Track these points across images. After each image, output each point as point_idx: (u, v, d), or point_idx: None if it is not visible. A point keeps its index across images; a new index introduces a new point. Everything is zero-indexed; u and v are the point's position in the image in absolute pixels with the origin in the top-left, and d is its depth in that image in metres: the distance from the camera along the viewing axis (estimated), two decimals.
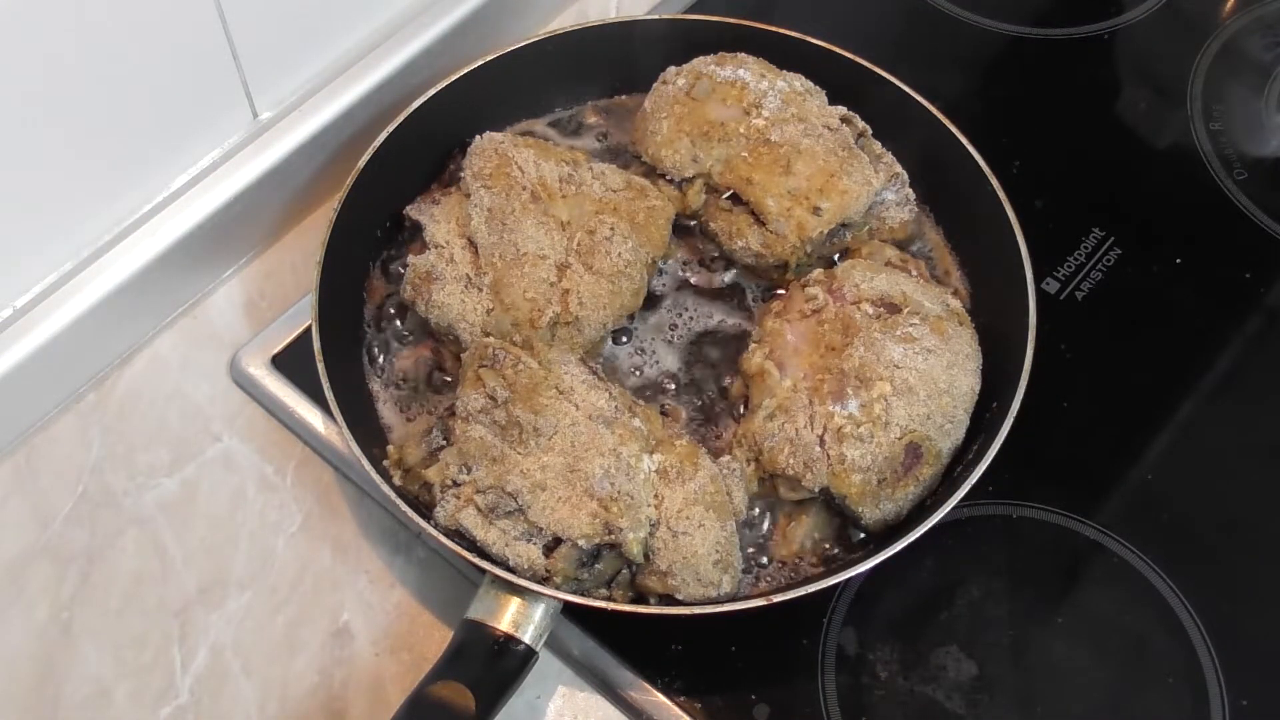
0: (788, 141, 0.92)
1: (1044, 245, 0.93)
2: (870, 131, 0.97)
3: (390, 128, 0.93)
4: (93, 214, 0.89)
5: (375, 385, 0.91)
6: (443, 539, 0.78)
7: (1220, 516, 0.91)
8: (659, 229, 0.92)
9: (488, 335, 0.86)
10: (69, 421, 0.92)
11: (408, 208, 0.96)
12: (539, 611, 0.76)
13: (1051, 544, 0.89)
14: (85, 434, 0.91)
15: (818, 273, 0.91)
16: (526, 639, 0.75)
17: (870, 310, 0.86)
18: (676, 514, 0.78)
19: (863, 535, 0.85)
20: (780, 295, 0.93)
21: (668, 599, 0.79)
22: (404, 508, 0.80)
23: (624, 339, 0.93)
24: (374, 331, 0.93)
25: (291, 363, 0.93)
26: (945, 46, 1.16)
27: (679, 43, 1.00)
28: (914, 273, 0.92)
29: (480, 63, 0.97)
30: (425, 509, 0.81)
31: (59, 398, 0.92)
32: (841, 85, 0.98)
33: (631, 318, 0.93)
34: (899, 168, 0.95)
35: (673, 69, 0.98)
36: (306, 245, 1.01)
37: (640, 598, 0.81)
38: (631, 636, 0.84)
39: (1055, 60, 1.15)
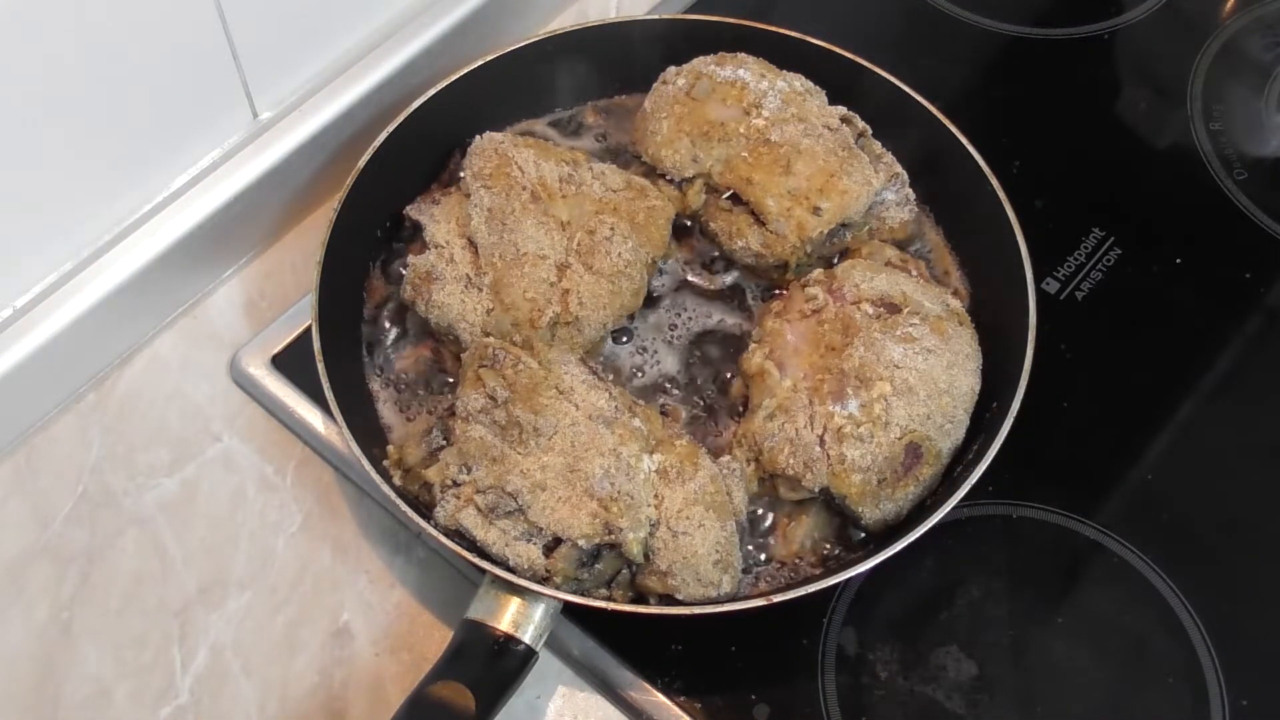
0: (788, 141, 0.92)
1: (1044, 245, 0.93)
2: (870, 131, 0.97)
3: (390, 128, 0.93)
4: (93, 214, 0.89)
5: (375, 385, 0.91)
6: (443, 539, 0.78)
7: (1220, 516, 0.91)
8: (659, 229, 0.92)
9: (488, 335, 0.86)
10: (69, 421, 0.92)
11: (408, 208, 0.96)
12: (539, 611, 0.76)
13: (1051, 544, 0.89)
14: (85, 434, 0.91)
15: (818, 273, 0.91)
16: (526, 639, 0.75)
17: (870, 310, 0.86)
18: (676, 514, 0.78)
19: (863, 535, 0.85)
20: (780, 295, 0.93)
21: (668, 599, 0.79)
22: (404, 508, 0.80)
23: (624, 339, 0.93)
24: (374, 332, 0.93)
25: (291, 363, 0.93)
26: (945, 46, 1.16)
27: (679, 43, 1.00)
28: (914, 273, 0.92)
29: (480, 63, 0.97)
30: (425, 509, 0.81)
31: (59, 398, 0.92)
32: (841, 85, 0.98)
33: (631, 318, 0.93)
34: (899, 168, 0.95)
35: (673, 69, 0.98)
36: (306, 245, 1.01)
37: (640, 598, 0.81)
38: (631, 636, 0.84)
39: (1055, 60, 1.15)
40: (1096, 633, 0.86)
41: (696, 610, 0.78)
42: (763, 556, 0.85)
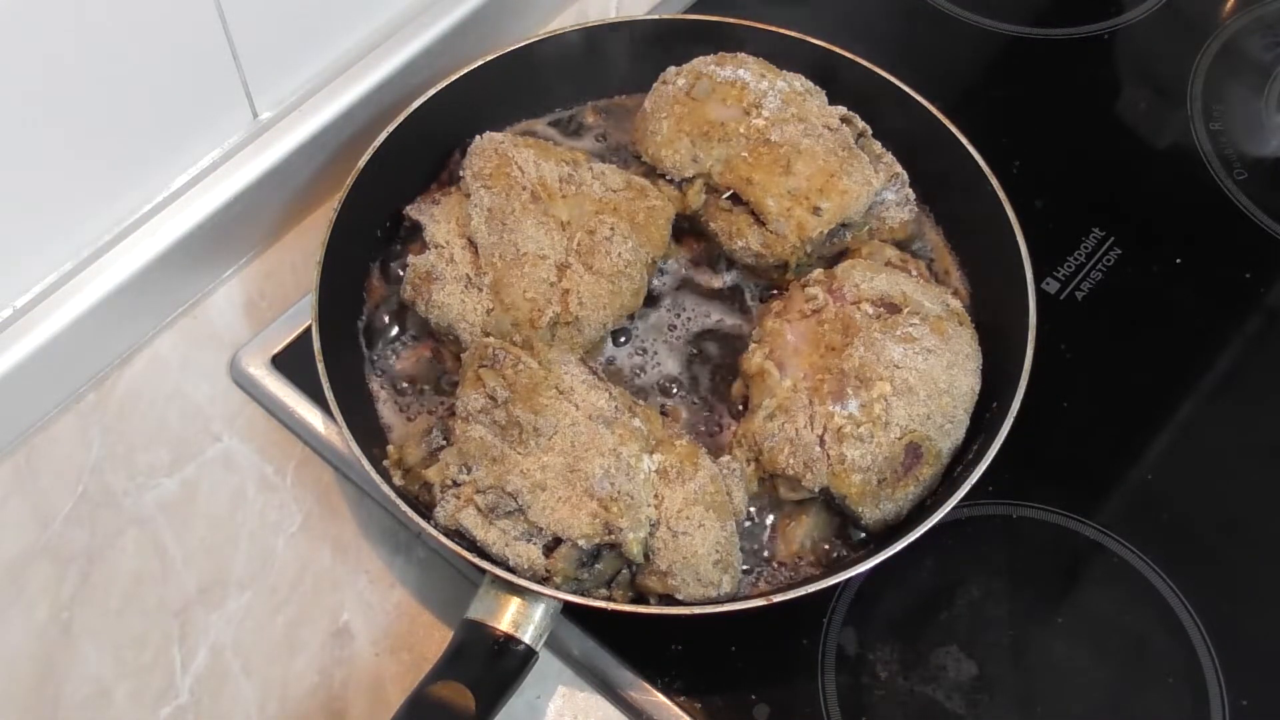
0: (788, 141, 0.92)
1: (1044, 245, 0.93)
2: (870, 131, 0.97)
3: (390, 128, 0.93)
4: (93, 214, 0.89)
5: (375, 385, 0.91)
6: (443, 539, 0.78)
7: (1220, 516, 0.91)
8: (659, 229, 0.92)
9: (488, 335, 0.86)
10: (69, 421, 0.92)
11: (408, 208, 0.96)
12: (539, 611, 0.76)
13: (1051, 544, 0.89)
14: (85, 434, 0.91)
15: (818, 273, 0.91)
16: (526, 639, 0.75)
17: (870, 310, 0.86)
18: (676, 514, 0.78)
19: (863, 535, 0.85)
20: (780, 295, 0.93)
21: (668, 599, 0.79)
22: (404, 508, 0.80)
23: (624, 339, 0.93)
24: (374, 332, 0.93)
25: (291, 363, 0.93)
26: (945, 46, 1.16)
27: (679, 43, 1.00)
28: (914, 273, 0.92)
29: (480, 63, 0.97)
30: (425, 509, 0.81)
31: (59, 398, 0.92)
32: (842, 85, 0.98)
33: (631, 318, 0.93)
34: (899, 168, 0.95)
35: (673, 69, 0.98)
36: (306, 245, 1.01)
37: (640, 598, 0.81)
38: (631, 636, 0.84)
39: (1055, 60, 1.15)
40: (1096, 633, 0.86)
41: (696, 610, 0.78)
42: (763, 556, 0.85)
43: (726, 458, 0.85)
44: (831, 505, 0.85)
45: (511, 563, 0.77)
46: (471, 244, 0.89)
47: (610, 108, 1.04)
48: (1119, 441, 0.94)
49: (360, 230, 0.93)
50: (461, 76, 0.96)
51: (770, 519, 0.86)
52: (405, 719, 0.72)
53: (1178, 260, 1.03)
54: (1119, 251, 1.02)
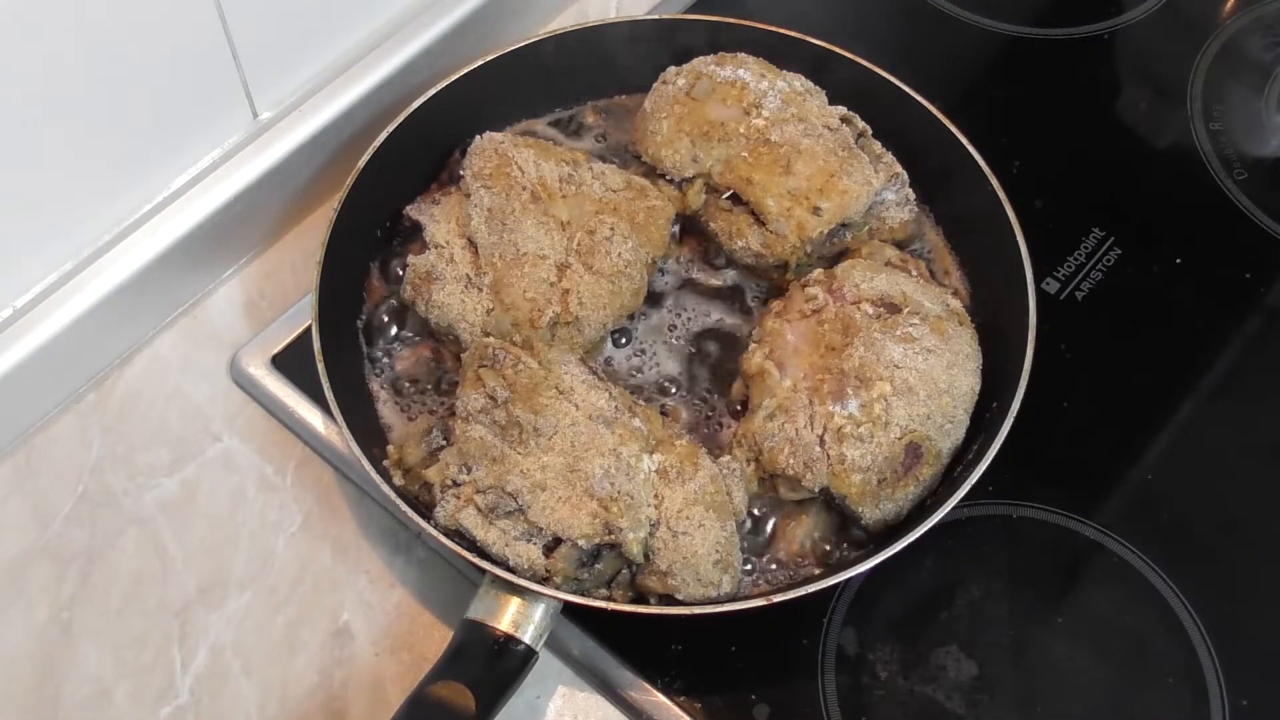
0: (788, 141, 0.92)
1: (1044, 245, 0.93)
2: (870, 131, 0.97)
3: (390, 128, 0.93)
4: (93, 214, 0.89)
5: (375, 385, 0.91)
6: (443, 539, 0.78)
7: (1220, 516, 0.91)
8: (659, 229, 0.92)
9: (488, 335, 0.86)
10: (69, 421, 0.92)
11: (408, 208, 0.96)
12: (539, 611, 0.76)
13: (1051, 544, 0.89)
14: (85, 434, 0.91)
15: (818, 273, 0.91)
16: (526, 639, 0.75)
17: (870, 310, 0.86)
18: (676, 514, 0.78)
19: (863, 535, 0.85)
20: (780, 295, 0.93)
21: (668, 599, 0.79)
22: (404, 508, 0.80)
23: (624, 339, 0.93)
24: (374, 332, 0.93)
25: (291, 363, 0.93)
26: (945, 46, 1.16)
27: (679, 43, 1.00)
28: (914, 273, 0.92)
29: (480, 63, 0.97)
30: (425, 509, 0.81)
31: (59, 398, 0.92)
32: (841, 85, 0.98)
33: (631, 318, 0.93)
34: (899, 168, 0.95)
35: (673, 69, 0.98)
36: (306, 245, 1.01)
37: (640, 598, 0.81)
38: (631, 636, 0.84)
39: (1055, 60, 1.15)
40: (1096, 633, 0.86)
41: (696, 610, 0.78)
42: (763, 557, 0.85)
43: (726, 458, 0.85)
44: (831, 505, 0.85)
45: (511, 563, 0.77)
46: (471, 244, 0.89)
47: (610, 108, 1.04)
48: (1119, 441, 0.94)
49: (360, 230, 0.93)
50: (461, 76, 0.96)
51: (770, 519, 0.86)
52: (405, 719, 0.72)
53: (1178, 260, 1.03)
54: (1119, 251, 1.02)
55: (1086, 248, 1.02)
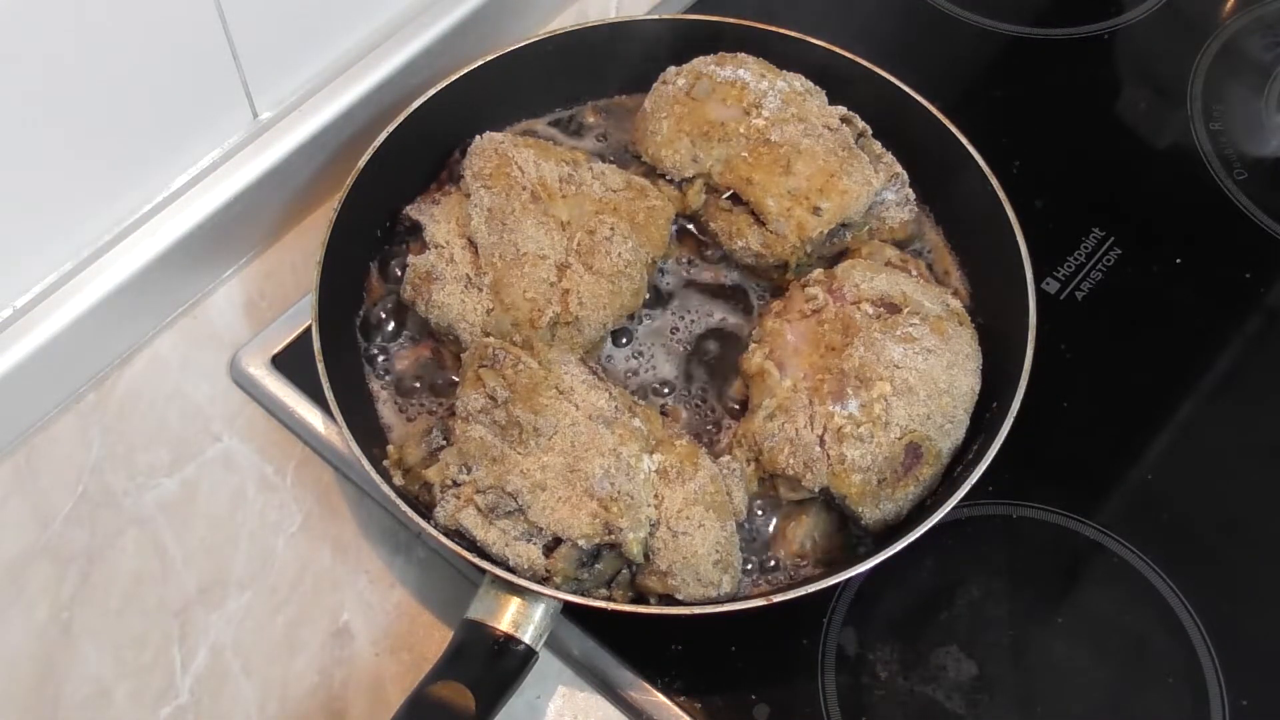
0: (788, 141, 0.92)
1: (1044, 245, 0.93)
2: (870, 131, 0.97)
3: (390, 128, 0.93)
4: (93, 214, 0.89)
5: (375, 385, 0.91)
6: (443, 539, 0.78)
7: (1220, 516, 0.91)
8: (659, 229, 0.92)
9: (488, 335, 0.86)
10: (69, 421, 0.92)
11: (408, 208, 0.96)
12: (539, 611, 0.76)
13: (1051, 544, 0.89)
14: (85, 434, 0.91)
15: (818, 273, 0.91)
16: (526, 639, 0.75)
17: (870, 310, 0.86)
18: (676, 514, 0.78)
19: (863, 535, 0.85)
20: (781, 295, 0.93)
21: (668, 599, 0.79)
22: (404, 508, 0.80)
23: (624, 340, 0.93)
24: (374, 331, 0.93)
25: (291, 363, 0.93)
26: (945, 46, 1.16)
27: (679, 43, 1.00)
28: (914, 273, 0.92)
29: (480, 63, 0.97)
30: (425, 509, 0.81)
31: (59, 398, 0.92)
32: (841, 85, 0.98)
33: (632, 318, 0.93)
34: (899, 168, 0.95)
35: (673, 69, 0.98)
36: (306, 245, 1.01)
37: (640, 598, 0.81)
38: (631, 636, 0.84)
39: (1055, 60, 1.15)
40: (1096, 633, 0.86)
41: (696, 610, 0.78)
42: (763, 556, 0.85)
43: (726, 458, 0.85)
44: (831, 505, 0.85)
45: (511, 563, 0.77)
46: (471, 244, 0.89)
47: (610, 108, 1.04)
48: (1119, 441, 0.94)
49: (360, 230, 0.93)
50: (461, 76, 0.96)
51: (770, 519, 0.86)
52: (405, 719, 0.72)
53: (1178, 260, 1.03)
54: (1119, 251, 1.02)
55: (1086, 248, 1.02)
